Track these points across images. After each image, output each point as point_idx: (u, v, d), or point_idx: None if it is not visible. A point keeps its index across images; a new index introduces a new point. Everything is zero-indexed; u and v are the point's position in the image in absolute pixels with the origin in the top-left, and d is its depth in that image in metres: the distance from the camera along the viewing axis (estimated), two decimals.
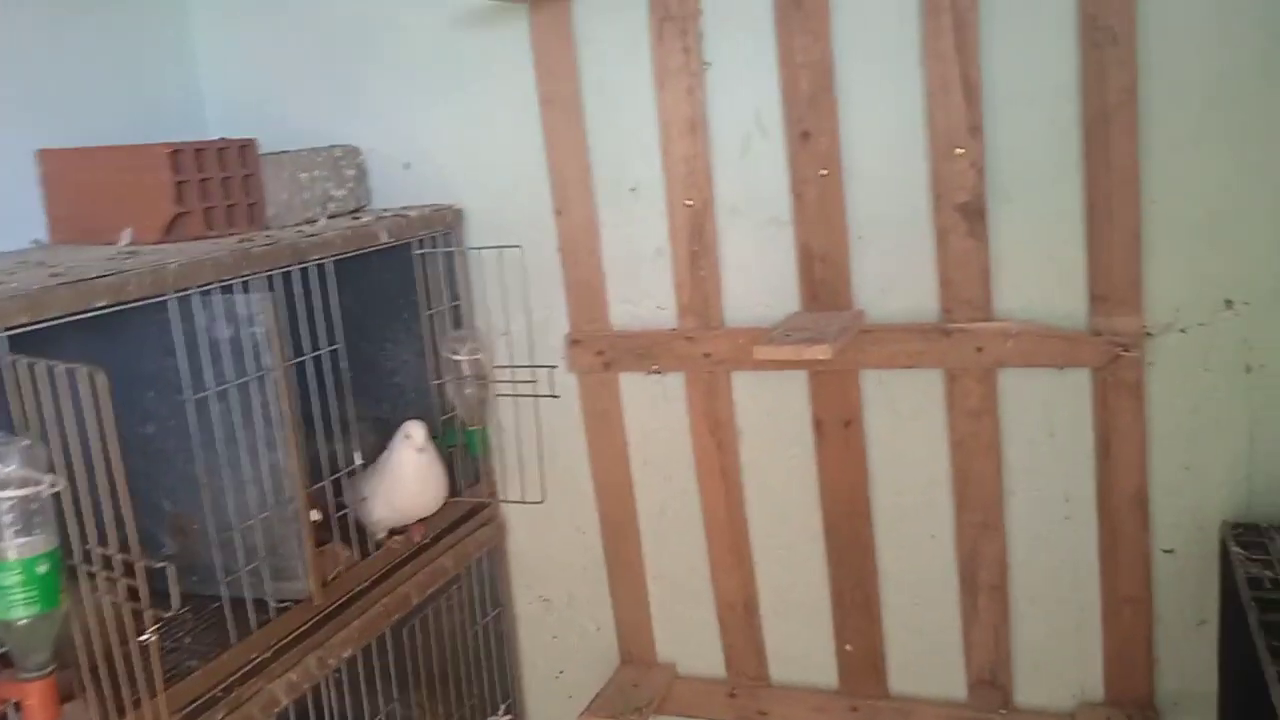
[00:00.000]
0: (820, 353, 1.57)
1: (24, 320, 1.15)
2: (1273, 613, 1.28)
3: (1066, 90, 1.57)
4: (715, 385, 1.89)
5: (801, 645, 1.96)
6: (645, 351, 1.92)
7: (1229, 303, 1.55)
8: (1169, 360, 1.60)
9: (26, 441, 1.08)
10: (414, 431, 1.77)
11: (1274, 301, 1.53)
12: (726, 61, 1.76)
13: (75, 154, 1.79)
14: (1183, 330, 1.59)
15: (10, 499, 1.08)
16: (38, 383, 1.10)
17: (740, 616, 1.98)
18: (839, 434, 1.82)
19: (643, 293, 1.92)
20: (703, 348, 1.87)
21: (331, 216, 1.96)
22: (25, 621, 1.10)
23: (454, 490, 1.98)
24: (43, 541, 1.10)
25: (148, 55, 2.12)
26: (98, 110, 1.99)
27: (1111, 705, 1.75)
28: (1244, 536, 1.50)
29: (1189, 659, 1.69)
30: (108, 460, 1.06)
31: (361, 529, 1.78)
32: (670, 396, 1.95)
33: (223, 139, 1.77)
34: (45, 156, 1.80)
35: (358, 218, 1.93)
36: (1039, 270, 1.65)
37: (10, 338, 1.14)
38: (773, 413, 1.87)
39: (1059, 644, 1.77)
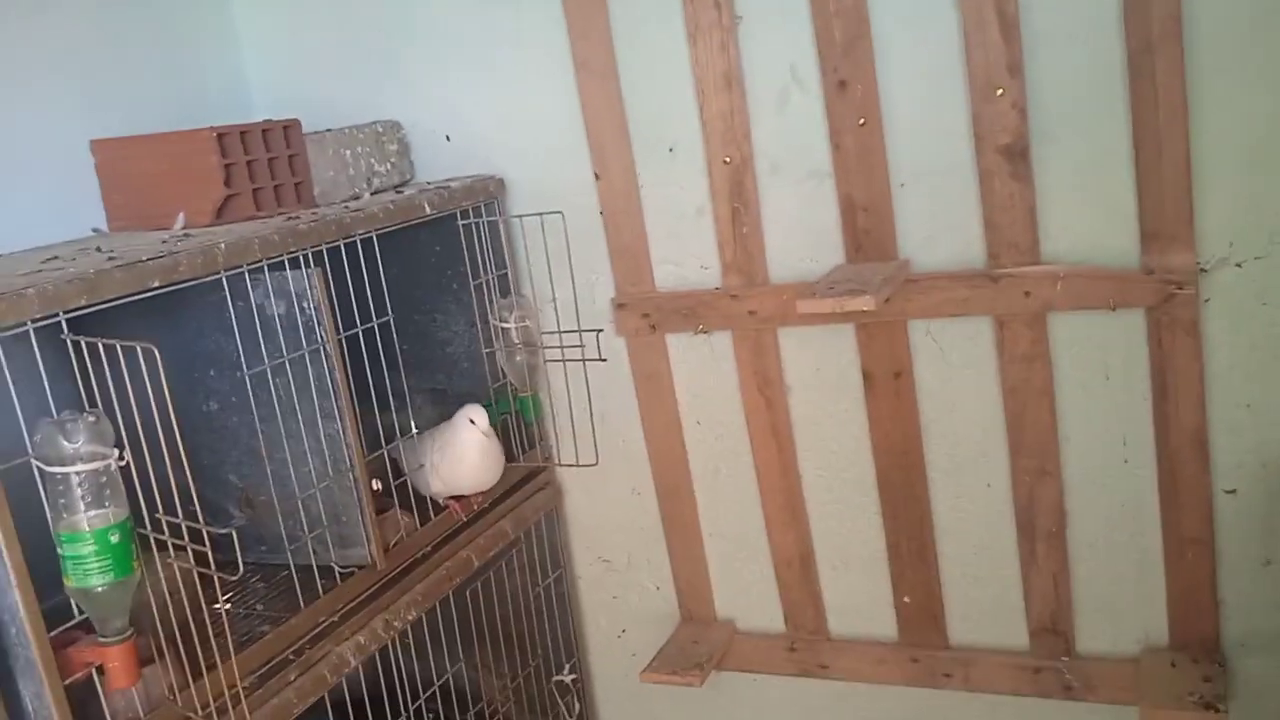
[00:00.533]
0: (863, 304, 1.56)
1: (82, 302, 1.19)
2: None
3: (1108, 22, 1.53)
4: (762, 342, 1.89)
5: (859, 598, 1.97)
6: (691, 312, 1.93)
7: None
8: (1225, 296, 1.57)
9: (93, 417, 1.13)
10: (477, 417, 1.79)
11: None
12: (759, 14, 1.75)
13: (126, 143, 1.82)
14: (1239, 264, 1.55)
15: (81, 472, 1.12)
16: (100, 360, 1.14)
17: (797, 571, 1.99)
18: (889, 386, 1.81)
19: (686, 253, 1.93)
20: (748, 305, 1.87)
21: (376, 192, 1.99)
22: (102, 589, 1.15)
23: (510, 456, 2.01)
24: (113, 513, 1.15)
25: (192, 42, 2.16)
26: (146, 98, 2.03)
27: (1177, 649, 1.73)
28: None
29: (1255, 600, 1.66)
30: (169, 432, 1.09)
31: (419, 495, 1.82)
32: (718, 355, 1.95)
33: (267, 120, 1.80)
34: (98, 147, 1.85)
35: (401, 192, 1.96)
36: (1087, 210, 1.62)
37: (70, 320, 1.18)
38: (821, 367, 1.87)
39: (1121, 589, 1.76)
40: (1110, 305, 1.62)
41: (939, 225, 1.70)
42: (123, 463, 1.15)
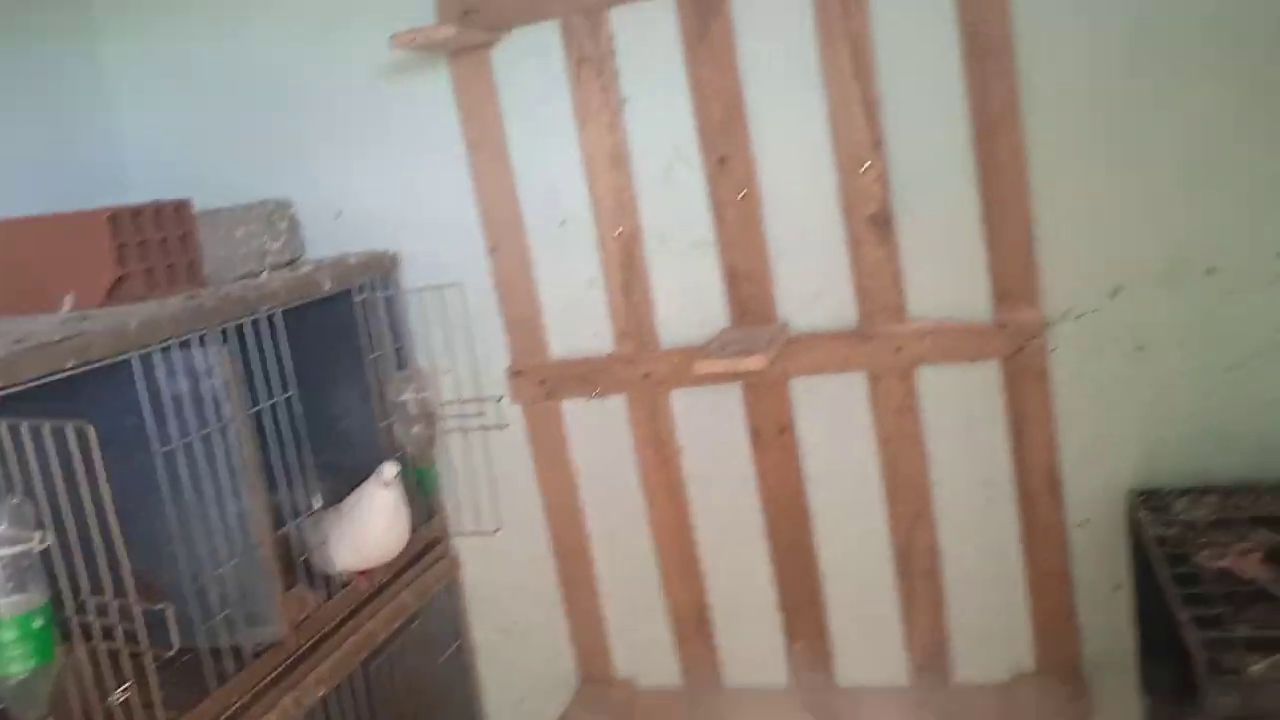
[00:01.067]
0: (754, 363, 1.68)
1: (0, 384, 1.18)
2: (1181, 564, 1.42)
3: (956, 102, 1.71)
4: (655, 404, 1.99)
5: (753, 647, 2.05)
6: (585, 377, 2.01)
7: (1116, 289, 1.71)
8: (1068, 345, 1.75)
9: (15, 500, 1.12)
10: (385, 469, 1.81)
11: (1155, 285, 1.69)
12: (643, 96, 1.88)
13: (10, 224, 1.80)
14: (1078, 317, 1.74)
15: (2, 557, 1.11)
16: (21, 443, 1.13)
17: (693, 625, 2.07)
18: (775, 441, 1.93)
19: (579, 321, 2.01)
20: (641, 369, 1.97)
21: (269, 269, 2.01)
22: (22, 677, 1.13)
23: (410, 528, 2.03)
24: (36, 597, 1.14)
25: (68, 123, 2.15)
26: (19, 181, 2.01)
27: (1042, 673, 1.88)
28: (1150, 501, 1.65)
29: (1108, 622, 1.82)
30: (99, 511, 1.10)
31: (323, 573, 1.82)
32: (612, 419, 2.04)
33: (158, 201, 1.81)
34: None
35: (296, 269, 1.98)
36: (946, 272, 1.78)
37: None
38: (711, 426, 1.98)
39: (991, 621, 1.90)
40: (970, 358, 1.79)
41: (815, 289, 1.84)
42: (44, 546, 1.15)
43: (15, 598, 1.12)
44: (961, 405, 1.83)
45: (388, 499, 1.80)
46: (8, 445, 1.15)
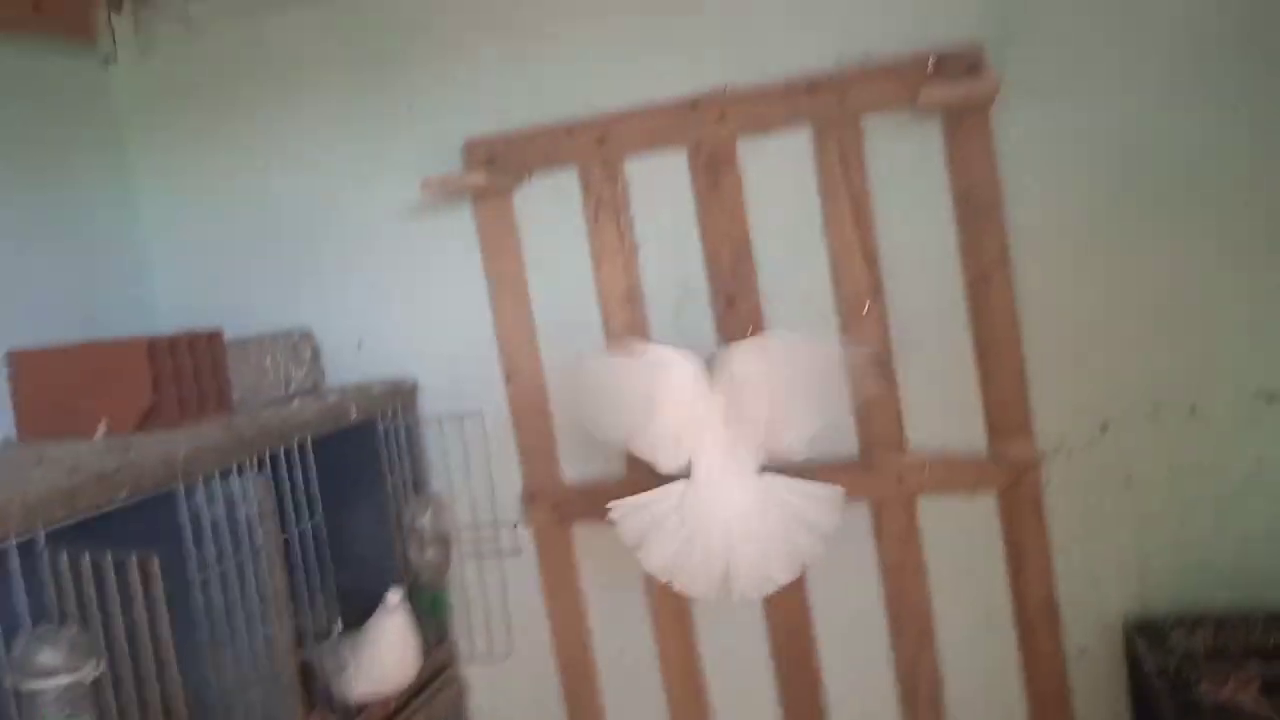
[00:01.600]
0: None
1: (60, 515, 1.25)
2: (1183, 696, 1.48)
3: (950, 255, 1.84)
4: None
5: None
6: (598, 502, 2.06)
7: (1105, 426, 1.81)
8: (1061, 479, 1.84)
9: (73, 630, 1.17)
10: (389, 596, 1.86)
11: (1141, 421, 1.79)
12: (656, 239, 2.00)
13: (48, 353, 1.87)
14: (1070, 452, 1.83)
15: (57, 686, 1.16)
16: (82, 574, 1.19)
17: None
18: None
19: (593, 449, 2.09)
20: None
21: (292, 395, 2.09)
22: None
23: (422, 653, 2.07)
24: None
25: (100, 252, 2.26)
26: (55, 309, 2.10)
27: None
28: (1145, 632, 1.71)
29: None
30: (156, 639, 1.15)
31: (343, 696, 1.85)
32: (623, 546, 2.09)
33: (192, 331, 1.90)
34: (16, 358, 1.89)
35: (320, 396, 2.06)
36: (943, 407, 1.88)
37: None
38: None
39: None
40: (968, 489, 1.87)
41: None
42: (97, 674, 1.19)
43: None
44: (961, 535, 1.90)
45: (395, 625, 1.85)
46: (66, 574, 1.21)
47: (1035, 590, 1.86)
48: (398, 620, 1.85)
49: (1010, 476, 1.84)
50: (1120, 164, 1.75)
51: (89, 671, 1.18)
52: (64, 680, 1.16)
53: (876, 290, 1.87)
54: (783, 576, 1.73)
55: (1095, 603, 1.85)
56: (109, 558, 1.18)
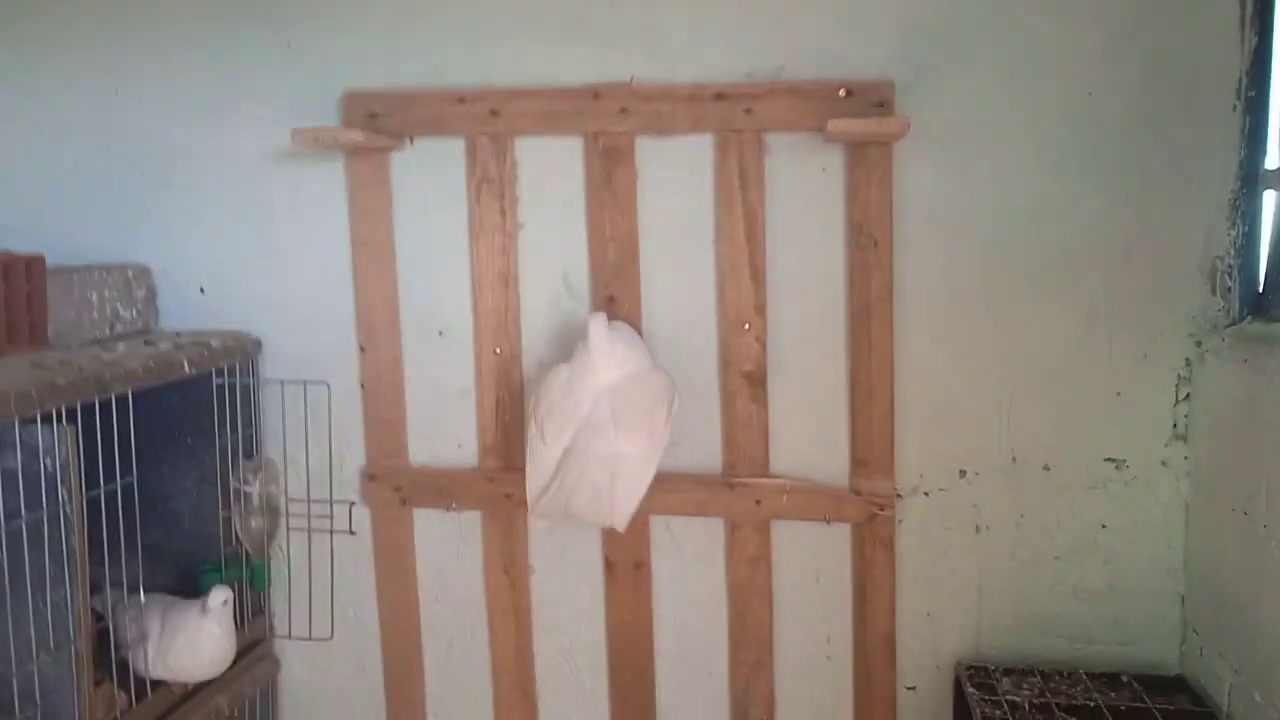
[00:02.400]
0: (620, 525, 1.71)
1: None
2: None
3: (837, 282, 1.82)
4: (513, 525, 1.97)
5: None
6: (445, 489, 1.98)
7: (962, 472, 1.83)
8: (915, 519, 1.85)
9: None
10: (213, 597, 1.73)
11: (997, 473, 1.82)
12: (540, 225, 1.90)
13: None
14: (926, 494, 1.84)
15: None
16: None
17: None
18: (629, 575, 1.94)
19: (444, 432, 1.99)
20: (503, 488, 1.95)
21: (119, 337, 1.90)
22: None
23: (235, 624, 1.93)
24: None
25: None
26: None
27: None
28: (976, 677, 1.75)
29: None
30: None
31: (139, 668, 1.69)
32: (466, 534, 2.00)
33: (8, 252, 1.70)
34: None
35: (150, 341, 1.88)
36: (811, 435, 1.86)
37: None
38: (566, 553, 1.97)
39: None
40: (825, 518, 1.86)
41: (685, 433, 1.88)
42: None
43: None
44: (811, 562, 1.89)
45: (212, 630, 1.72)
46: None
47: (877, 625, 1.87)
48: (214, 623, 1.72)
49: (867, 511, 1.84)
50: (1006, 223, 1.77)
51: None
52: None
53: (760, 309, 1.83)
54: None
55: (932, 643, 1.87)
56: None
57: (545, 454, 1.75)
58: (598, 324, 1.72)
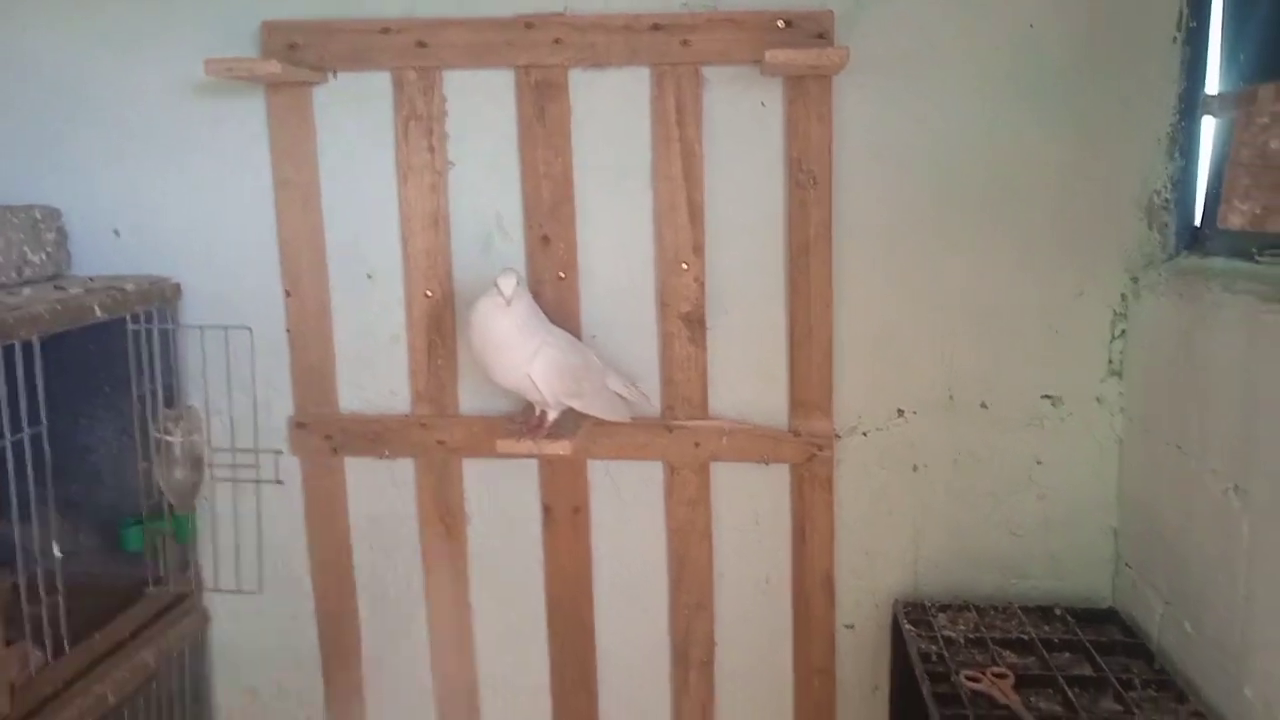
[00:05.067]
0: (561, 449, 1.67)
1: None
2: (942, 683, 1.52)
3: (776, 221, 1.79)
4: (447, 472, 1.93)
5: None
6: (377, 436, 1.92)
7: (900, 411, 1.82)
8: (853, 459, 1.85)
9: None
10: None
11: (935, 412, 1.81)
12: (471, 163, 1.84)
13: None
14: (865, 433, 1.84)
15: None
16: None
17: (460, 701, 2.01)
18: (568, 520, 1.92)
19: (375, 378, 1.93)
20: (437, 435, 1.90)
21: (26, 282, 1.81)
22: None
23: (158, 579, 1.88)
24: None
25: None
26: None
27: None
28: (913, 614, 1.76)
29: None
30: None
31: (56, 624, 1.63)
32: (399, 482, 1.96)
33: None
34: None
35: (61, 286, 1.79)
36: (749, 376, 1.84)
37: None
38: (503, 499, 1.94)
39: (757, 713, 1.95)
40: (764, 459, 1.85)
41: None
42: None
43: None
44: (750, 504, 1.88)
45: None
46: None
47: (815, 564, 1.87)
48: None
49: (806, 452, 1.83)
50: (946, 157, 1.74)
51: None
52: None
53: (698, 249, 1.79)
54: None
55: (870, 581, 1.88)
56: None
57: None
58: (506, 282, 1.65)
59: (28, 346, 1.54)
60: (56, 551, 1.66)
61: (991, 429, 1.80)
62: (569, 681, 1.98)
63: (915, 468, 1.83)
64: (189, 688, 1.98)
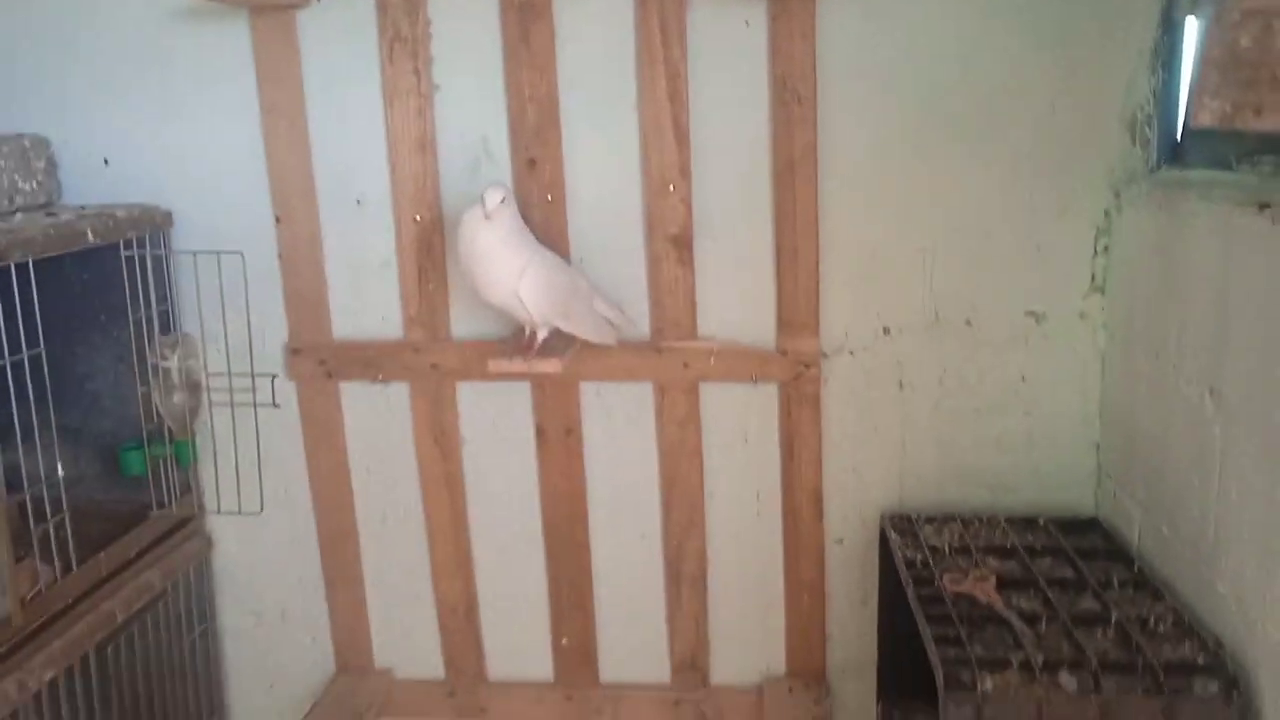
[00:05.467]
0: (551, 368, 1.70)
1: None
2: (926, 587, 1.56)
3: (761, 141, 1.79)
4: (441, 395, 1.96)
5: (519, 642, 2.07)
6: (370, 361, 1.95)
7: (886, 330, 1.85)
8: (840, 377, 1.87)
9: None
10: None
11: (920, 330, 1.84)
12: (457, 86, 1.84)
13: None
14: (851, 352, 1.86)
15: None
16: None
17: (460, 618, 2.06)
18: (560, 441, 1.95)
19: (368, 303, 1.95)
20: (430, 358, 1.93)
21: (18, 210, 1.82)
22: None
23: (160, 503, 1.92)
24: None
25: None
26: None
27: (793, 677, 2.00)
28: (899, 526, 1.79)
29: (853, 633, 1.97)
30: None
31: (64, 543, 1.67)
32: (394, 406, 1.99)
33: None
34: None
35: (52, 214, 1.80)
36: (737, 296, 1.86)
37: None
38: (497, 422, 1.97)
39: (749, 627, 2.00)
40: (752, 379, 1.88)
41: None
42: None
43: None
44: (739, 423, 1.91)
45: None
46: None
47: (804, 481, 1.91)
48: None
49: (793, 371, 1.86)
50: (928, 76, 1.74)
51: None
52: None
53: (684, 170, 1.80)
54: None
55: (858, 496, 1.92)
56: None
57: None
58: (491, 195, 1.66)
59: (23, 268, 1.56)
60: (60, 471, 1.69)
61: (976, 346, 1.83)
62: (566, 599, 2.03)
63: (901, 385, 1.86)
64: (195, 609, 2.03)
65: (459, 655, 2.08)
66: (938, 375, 1.85)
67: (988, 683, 1.31)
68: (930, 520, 1.81)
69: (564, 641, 2.04)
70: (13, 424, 1.60)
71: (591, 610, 2.03)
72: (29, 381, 1.57)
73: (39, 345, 1.58)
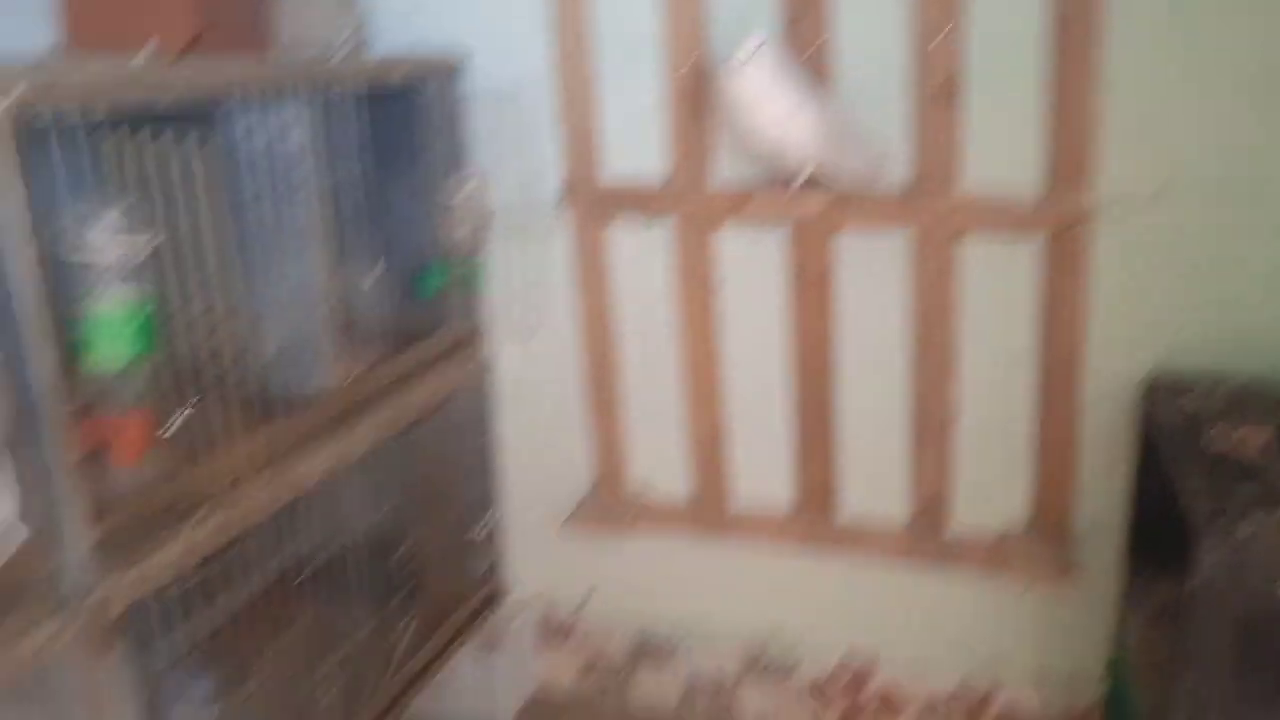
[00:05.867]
0: (813, 205, 1.74)
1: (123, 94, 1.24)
2: (1188, 446, 1.50)
3: None
4: (702, 237, 2.06)
5: (764, 474, 2.18)
6: (637, 203, 2.07)
7: (1166, 188, 1.75)
8: (1111, 235, 1.80)
9: (128, 202, 1.20)
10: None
11: (1200, 192, 1.73)
12: None
13: None
14: (1123, 211, 1.78)
15: (112, 253, 1.20)
16: (144, 154, 1.20)
17: (709, 447, 2.19)
18: (814, 285, 2.01)
19: (638, 148, 2.06)
20: (693, 202, 2.03)
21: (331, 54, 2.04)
22: (124, 363, 1.23)
23: (450, 321, 2.14)
24: (141, 291, 1.23)
25: None
26: None
27: (1033, 531, 2.00)
28: (1162, 389, 1.72)
29: (1102, 492, 1.93)
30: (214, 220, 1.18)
31: (370, 339, 1.91)
32: (657, 247, 2.11)
33: None
34: None
35: (360, 59, 2.01)
36: (1003, 147, 1.82)
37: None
38: (754, 265, 2.05)
39: (994, 478, 2.00)
40: (1014, 233, 1.85)
41: (877, 150, 1.87)
42: (153, 245, 1.23)
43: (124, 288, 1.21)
44: (999, 278, 1.89)
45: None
46: (127, 155, 1.22)
47: (1062, 340, 1.87)
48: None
49: (1059, 225, 1.82)
50: None
51: (143, 243, 1.21)
52: (116, 254, 1.19)
53: (954, 13, 1.77)
54: None
55: (1120, 359, 1.85)
56: (169, 138, 1.18)
57: None
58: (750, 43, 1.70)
59: (343, 99, 1.77)
60: (379, 270, 1.92)
61: (1267, 209, 1.71)
62: (811, 436, 2.11)
63: (1176, 246, 1.78)
64: (478, 414, 2.26)
65: (706, 481, 2.22)
66: (1220, 239, 1.74)
67: (1246, 528, 1.28)
68: (1197, 386, 1.73)
69: (806, 476, 2.13)
70: (340, 234, 1.84)
71: (833, 448, 2.10)
72: (356, 199, 1.80)
73: (363, 165, 1.80)
